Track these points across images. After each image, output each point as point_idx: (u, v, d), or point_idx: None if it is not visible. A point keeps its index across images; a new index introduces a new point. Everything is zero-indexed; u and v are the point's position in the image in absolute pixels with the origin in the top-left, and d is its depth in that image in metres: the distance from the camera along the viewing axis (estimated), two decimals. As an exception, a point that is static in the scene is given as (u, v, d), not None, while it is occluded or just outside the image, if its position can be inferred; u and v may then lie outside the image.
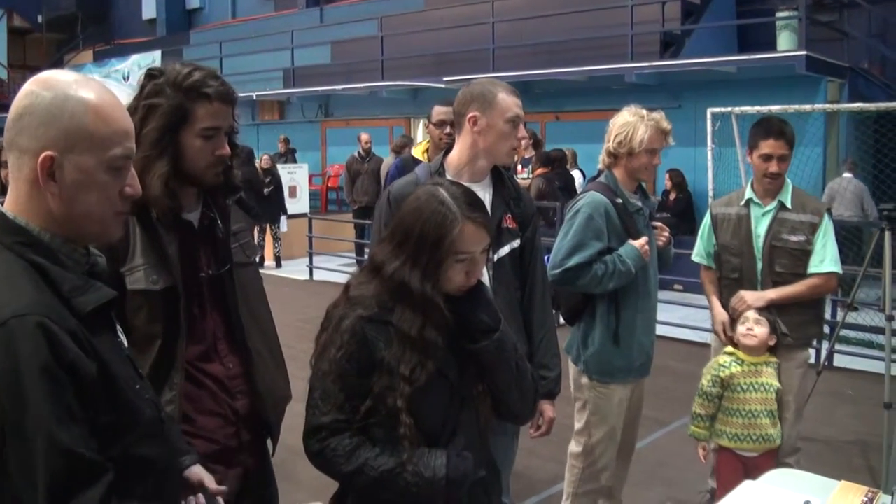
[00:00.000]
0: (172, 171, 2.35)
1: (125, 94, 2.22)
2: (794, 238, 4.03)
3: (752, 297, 4.01)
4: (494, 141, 3.12)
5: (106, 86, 1.71)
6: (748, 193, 4.18)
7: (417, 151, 5.42)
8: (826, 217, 4.05)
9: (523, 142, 13.10)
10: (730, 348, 4.01)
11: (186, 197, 2.47)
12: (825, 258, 4.01)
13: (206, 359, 2.52)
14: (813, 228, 4.02)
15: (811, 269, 4.02)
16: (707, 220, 4.37)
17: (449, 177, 3.10)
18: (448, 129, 4.93)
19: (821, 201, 4.27)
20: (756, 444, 3.93)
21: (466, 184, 2.90)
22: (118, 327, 1.77)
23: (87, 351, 1.55)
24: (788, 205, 4.08)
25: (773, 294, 4.01)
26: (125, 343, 1.80)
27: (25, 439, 1.45)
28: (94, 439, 1.52)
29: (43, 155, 1.57)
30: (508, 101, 3.12)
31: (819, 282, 4.04)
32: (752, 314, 3.93)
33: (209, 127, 2.38)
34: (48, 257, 1.60)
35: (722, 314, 4.20)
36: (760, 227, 4.12)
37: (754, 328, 3.90)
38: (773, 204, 4.10)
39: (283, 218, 13.58)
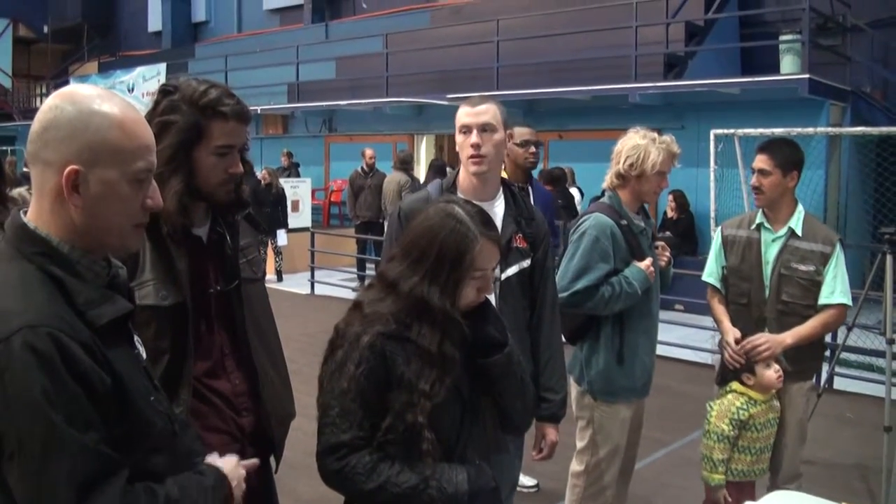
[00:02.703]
0: (185, 188, 2.35)
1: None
2: (803, 267, 3.93)
3: (773, 343, 3.86)
4: (460, 154, 3.19)
5: (128, 101, 1.73)
6: (759, 217, 4.09)
7: None
8: (838, 247, 3.96)
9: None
10: (739, 388, 3.91)
11: (196, 212, 2.47)
12: (836, 289, 3.90)
13: (213, 375, 2.52)
14: (824, 259, 3.92)
15: (822, 301, 3.91)
16: (718, 240, 4.28)
17: (460, 194, 3.12)
18: (533, 149, 5.18)
19: (832, 231, 4.16)
20: (756, 476, 3.96)
21: (478, 202, 2.93)
22: (136, 338, 1.78)
23: (101, 363, 1.56)
24: (799, 232, 3.98)
25: (790, 340, 3.87)
26: (143, 354, 1.81)
27: (43, 453, 1.46)
28: (107, 444, 1.54)
29: (68, 168, 1.59)
30: (460, 114, 3.19)
31: (829, 315, 3.93)
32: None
33: (224, 145, 2.39)
34: (66, 269, 1.61)
35: (733, 330, 4.02)
36: (770, 254, 4.03)
37: (780, 370, 3.86)
38: (784, 230, 4.01)
39: (281, 232, 13.56)
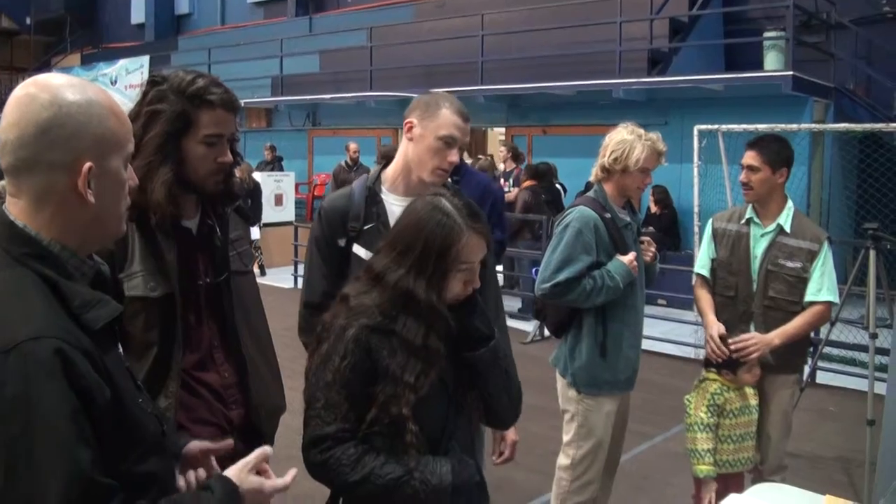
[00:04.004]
0: (174, 178, 2.34)
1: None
2: (790, 264, 3.94)
3: (761, 344, 3.85)
4: (421, 153, 2.95)
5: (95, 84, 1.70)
6: (749, 212, 4.10)
7: None
8: (825, 245, 3.97)
9: (501, 154, 13.06)
10: (711, 375, 3.94)
11: (186, 204, 2.47)
12: (822, 287, 3.92)
13: (202, 367, 2.52)
14: (811, 256, 3.94)
15: (808, 298, 3.93)
16: (708, 232, 4.28)
17: (385, 189, 3.03)
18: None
19: (821, 228, 4.18)
20: (743, 466, 3.97)
21: (402, 197, 2.86)
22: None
23: (101, 372, 1.51)
24: (788, 229, 3.99)
25: (777, 340, 3.87)
26: (122, 354, 1.77)
27: (36, 468, 1.40)
28: (100, 463, 1.48)
29: (86, 166, 1.54)
30: (448, 119, 2.92)
31: (815, 312, 3.94)
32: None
33: (212, 134, 2.38)
34: (58, 270, 1.55)
35: (717, 324, 4.01)
36: (758, 249, 4.04)
37: (758, 373, 3.90)
38: (773, 226, 4.01)
39: (254, 227, 13.44)
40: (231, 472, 1.77)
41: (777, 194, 4.04)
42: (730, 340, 3.89)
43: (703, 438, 3.87)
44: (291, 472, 1.87)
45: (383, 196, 3.00)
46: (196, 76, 2.39)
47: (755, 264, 4.04)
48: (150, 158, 2.30)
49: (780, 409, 4.06)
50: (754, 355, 3.84)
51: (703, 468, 3.86)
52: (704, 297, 4.20)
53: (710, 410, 3.87)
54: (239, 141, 2.56)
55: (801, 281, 3.94)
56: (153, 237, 2.39)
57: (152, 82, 2.41)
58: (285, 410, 2.78)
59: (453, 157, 2.95)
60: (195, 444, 2.12)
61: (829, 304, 3.97)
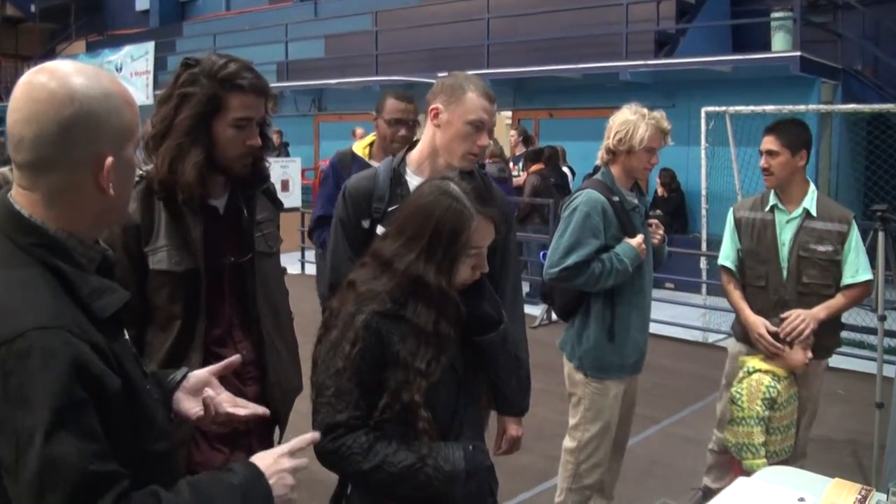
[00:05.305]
0: (205, 160, 2.41)
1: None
2: (821, 248, 3.91)
3: (809, 318, 3.81)
4: (450, 139, 2.93)
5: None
6: (772, 199, 4.06)
7: (360, 147, 4.92)
8: (854, 224, 3.95)
9: (512, 138, 12.97)
10: (763, 365, 3.85)
11: (214, 184, 2.54)
12: (859, 267, 3.91)
13: (222, 344, 2.58)
14: (841, 238, 3.91)
15: (847, 280, 3.91)
16: (730, 222, 4.24)
17: (410, 171, 3.02)
18: (403, 131, 4.52)
19: (846, 208, 4.14)
20: (787, 455, 3.91)
21: None
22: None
23: (111, 363, 1.50)
24: (813, 212, 3.96)
25: (823, 314, 3.85)
26: (129, 341, 1.75)
27: (37, 458, 1.38)
28: (110, 454, 1.46)
29: (109, 161, 1.53)
30: (476, 103, 2.89)
31: (857, 291, 3.93)
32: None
33: (242, 118, 2.45)
34: (65, 259, 1.54)
35: (760, 321, 3.94)
36: (785, 235, 4.01)
37: (811, 358, 3.84)
38: (798, 211, 3.98)
39: None
40: (259, 458, 1.73)
41: (798, 178, 4.01)
42: (779, 329, 3.83)
43: (758, 432, 3.79)
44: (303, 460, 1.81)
45: (408, 178, 3.00)
46: (228, 60, 2.46)
47: (784, 251, 4.01)
48: (181, 140, 2.38)
49: (813, 398, 4.06)
50: (808, 331, 3.80)
51: (759, 462, 3.75)
52: (735, 293, 4.16)
53: (764, 404, 3.79)
54: (270, 125, 2.63)
55: (834, 264, 3.93)
56: (180, 213, 2.47)
57: (185, 65, 2.48)
58: (301, 391, 2.80)
59: (483, 140, 2.95)
60: (202, 372, 2.05)
61: (870, 282, 3.96)
